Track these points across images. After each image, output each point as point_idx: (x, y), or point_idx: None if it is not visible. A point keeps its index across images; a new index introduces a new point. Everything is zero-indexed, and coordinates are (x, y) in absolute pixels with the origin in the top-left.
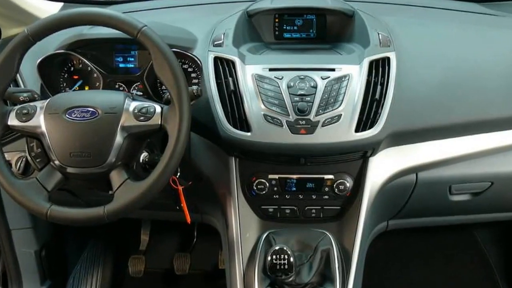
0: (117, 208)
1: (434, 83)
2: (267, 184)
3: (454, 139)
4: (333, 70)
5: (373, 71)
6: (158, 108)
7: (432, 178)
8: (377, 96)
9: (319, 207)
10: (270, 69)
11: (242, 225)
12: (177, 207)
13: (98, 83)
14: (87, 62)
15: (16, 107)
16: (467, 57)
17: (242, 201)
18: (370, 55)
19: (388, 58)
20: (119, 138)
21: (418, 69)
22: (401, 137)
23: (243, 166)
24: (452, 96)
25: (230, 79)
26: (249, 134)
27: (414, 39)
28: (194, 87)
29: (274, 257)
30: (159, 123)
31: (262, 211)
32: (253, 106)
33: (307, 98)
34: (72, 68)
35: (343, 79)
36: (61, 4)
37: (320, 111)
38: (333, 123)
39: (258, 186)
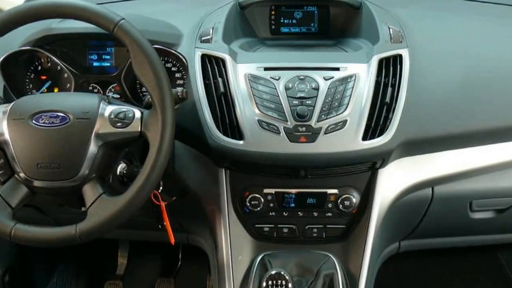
0: (91, 227)
1: (452, 84)
2: (262, 200)
3: (476, 148)
4: (337, 69)
5: (383, 70)
6: (137, 113)
7: (450, 193)
8: (387, 99)
9: (322, 226)
10: (266, 68)
11: (234, 246)
12: (160, 226)
13: (69, 85)
14: (56, 60)
15: None
16: (491, 55)
17: (234, 219)
18: (380, 52)
19: (400, 56)
20: (93, 147)
21: (434, 69)
22: (415, 146)
23: (235, 179)
24: (473, 99)
25: (219, 79)
26: (241, 142)
27: (430, 34)
28: (179, 89)
29: (270, 282)
30: (139, 130)
31: (257, 231)
32: (246, 111)
33: (307, 102)
34: (39, 67)
35: (348, 80)
36: None
37: (323, 116)
38: (337, 130)
39: (252, 202)
